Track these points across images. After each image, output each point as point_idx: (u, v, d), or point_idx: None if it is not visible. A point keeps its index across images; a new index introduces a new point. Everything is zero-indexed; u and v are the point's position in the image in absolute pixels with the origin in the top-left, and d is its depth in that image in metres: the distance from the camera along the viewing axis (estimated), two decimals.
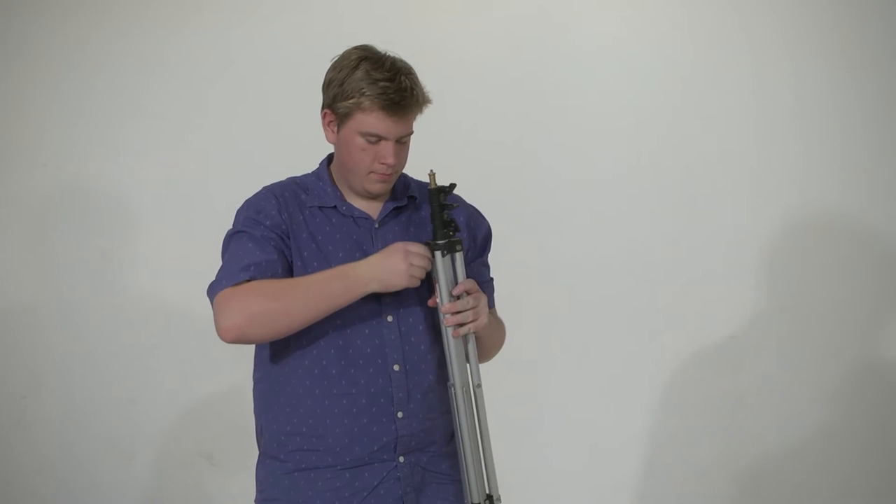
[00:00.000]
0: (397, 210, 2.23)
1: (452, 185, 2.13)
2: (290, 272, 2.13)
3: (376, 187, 2.16)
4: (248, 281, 2.06)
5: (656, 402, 3.72)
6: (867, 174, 3.65)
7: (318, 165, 2.27)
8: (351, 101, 2.08)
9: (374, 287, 2.07)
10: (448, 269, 2.15)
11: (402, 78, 2.09)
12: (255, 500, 2.27)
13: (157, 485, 3.71)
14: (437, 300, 2.15)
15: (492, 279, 2.39)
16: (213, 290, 2.09)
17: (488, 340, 2.29)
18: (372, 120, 2.09)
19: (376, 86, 2.06)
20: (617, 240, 3.69)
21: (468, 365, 2.18)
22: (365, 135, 2.10)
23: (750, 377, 3.69)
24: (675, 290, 3.69)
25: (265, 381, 2.22)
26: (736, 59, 3.67)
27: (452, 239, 2.15)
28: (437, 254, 2.13)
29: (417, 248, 2.09)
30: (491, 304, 2.37)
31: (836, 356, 3.68)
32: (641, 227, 3.69)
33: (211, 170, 3.66)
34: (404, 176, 2.28)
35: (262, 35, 3.67)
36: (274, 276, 2.09)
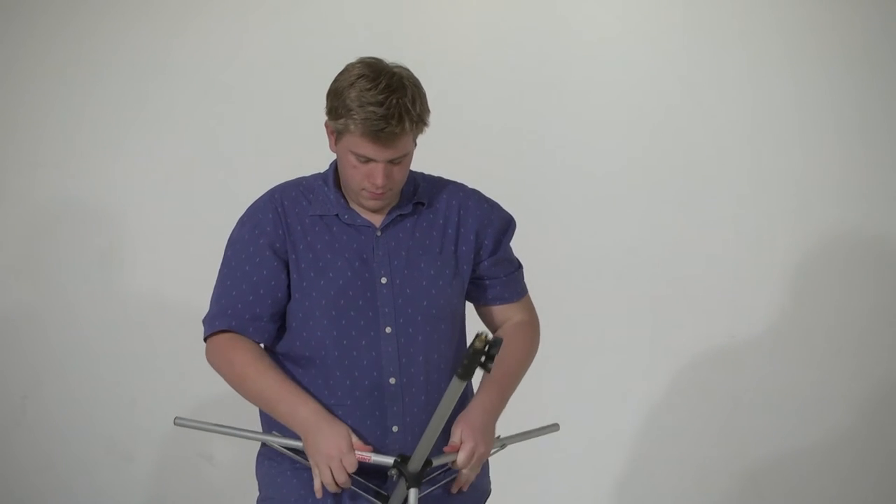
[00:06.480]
0: (402, 216, 2.20)
1: (498, 341, 1.83)
2: (274, 298, 2.15)
3: (370, 204, 2.15)
4: (227, 332, 2.16)
5: (655, 403, 3.71)
6: (866, 173, 3.65)
7: (327, 166, 2.25)
8: (341, 121, 2.07)
9: (301, 445, 2.09)
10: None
11: (394, 101, 2.03)
12: (257, 500, 2.28)
13: (157, 485, 3.71)
14: None
15: (520, 266, 2.34)
16: (205, 326, 2.21)
17: (520, 369, 2.28)
18: (358, 143, 2.07)
19: (363, 110, 2.02)
20: (615, 239, 3.68)
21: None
22: (355, 154, 2.09)
23: (750, 377, 3.69)
24: (674, 290, 3.68)
25: None
26: (734, 55, 3.66)
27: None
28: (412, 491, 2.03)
29: (349, 462, 2.03)
30: (522, 293, 2.34)
31: (835, 356, 3.67)
32: (640, 227, 3.68)
33: (211, 170, 3.66)
34: (414, 178, 2.24)
35: (263, 36, 3.66)
36: (256, 326, 2.15)
